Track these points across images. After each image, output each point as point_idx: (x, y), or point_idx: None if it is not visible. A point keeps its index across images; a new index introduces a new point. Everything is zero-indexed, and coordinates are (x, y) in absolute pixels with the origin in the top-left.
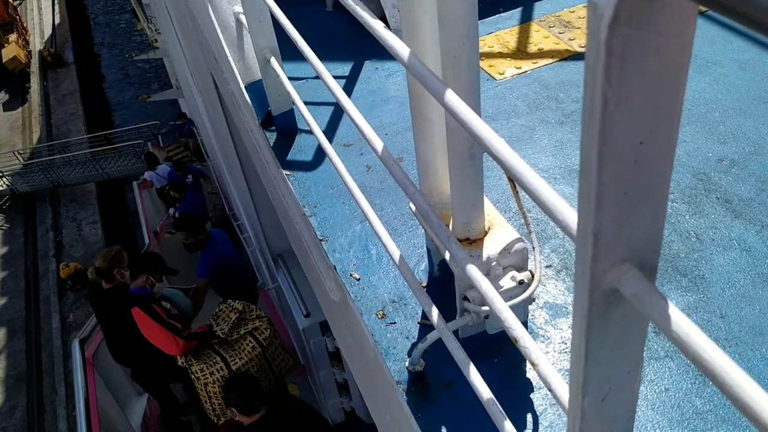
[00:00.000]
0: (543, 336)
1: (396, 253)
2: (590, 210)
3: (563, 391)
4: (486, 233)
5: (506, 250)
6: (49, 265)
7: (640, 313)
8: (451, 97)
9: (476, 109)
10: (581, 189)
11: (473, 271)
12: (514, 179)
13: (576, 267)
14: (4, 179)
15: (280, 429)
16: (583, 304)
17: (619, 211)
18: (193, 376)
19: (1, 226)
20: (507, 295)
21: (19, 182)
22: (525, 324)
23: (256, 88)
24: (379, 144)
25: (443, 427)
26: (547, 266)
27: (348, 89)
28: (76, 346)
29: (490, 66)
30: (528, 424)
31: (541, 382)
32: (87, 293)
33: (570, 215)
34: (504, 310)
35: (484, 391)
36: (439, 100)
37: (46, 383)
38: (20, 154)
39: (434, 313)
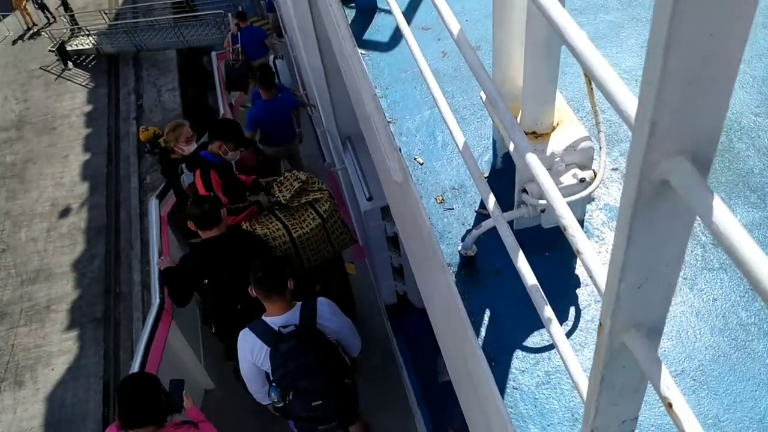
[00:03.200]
0: (597, 237)
1: (461, 141)
2: (651, 97)
3: (603, 278)
4: (554, 129)
5: (572, 147)
6: (130, 127)
7: (686, 206)
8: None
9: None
10: (644, 76)
11: (533, 160)
12: (584, 69)
13: (629, 155)
14: (91, 38)
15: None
16: (631, 192)
17: (680, 102)
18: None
19: (87, 84)
20: (566, 191)
21: (104, 42)
22: (581, 223)
23: None
24: (456, 28)
25: (487, 309)
26: (613, 169)
27: None
28: (153, 202)
29: None
30: (569, 315)
31: (588, 279)
32: (159, 158)
33: (631, 103)
34: (557, 200)
35: (529, 277)
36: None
37: (123, 238)
38: (106, 14)
39: (491, 202)
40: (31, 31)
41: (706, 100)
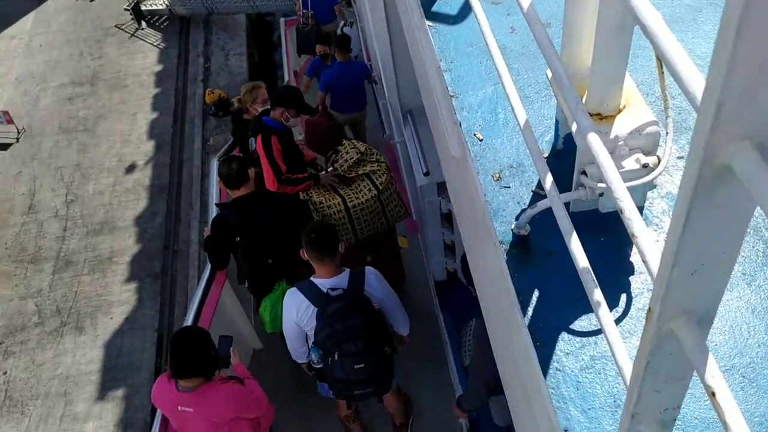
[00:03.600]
0: (656, 224)
1: (523, 119)
2: (719, 78)
3: (656, 263)
4: (620, 111)
5: (637, 131)
6: (197, 89)
7: (747, 193)
8: None
9: None
10: (714, 56)
11: (595, 140)
12: (655, 49)
13: (693, 137)
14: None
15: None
16: (692, 175)
17: (749, 85)
18: (312, 207)
19: (158, 44)
20: (627, 176)
21: (177, 4)
22: (641, 209)
23: None
24: (527, 3)
25: (536, 290)
26: (678, 157)
27: None
28: (214, 164)
29: None
30: (620, 302)
31: (642, 266)
32: (231, 119)
33: (699, 85)
34: (616, 182)
35: (581, 259)
36: None
37: (184, 198)
38: None
39: (549, 182)
40: None
41: None
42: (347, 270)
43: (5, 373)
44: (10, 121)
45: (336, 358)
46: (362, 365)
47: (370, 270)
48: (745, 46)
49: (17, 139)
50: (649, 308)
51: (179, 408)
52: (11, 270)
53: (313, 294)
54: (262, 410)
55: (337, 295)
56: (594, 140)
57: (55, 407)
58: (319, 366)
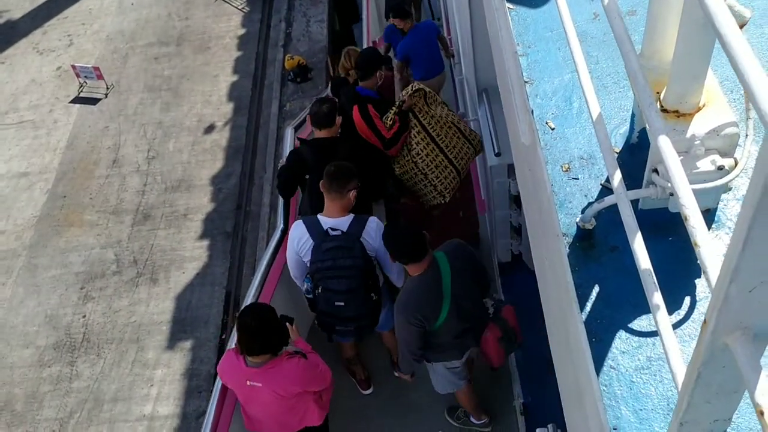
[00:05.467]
0: (729, 228)
1: (596, 111)
2: None
3: (715, 275)
4: (699, 109)
5: (715, 132)
6: (277, 54)
7: None
8: None
9: None
10: None
11: (665, 143)
12: (726, 53)
13: (760, 150)
14: None
15: None
16: (756, 190)
17: None
18: (407, 158)
19: (243, 8)
20: (701, 177)
21: None
22: (714, 211)
23: None
24: None
25: (597, 285)
26: None
27: None
28: (289, 131)
29: None
30: (683, 305)
31: None
32: (332, 90)
33: None
34: (683, 188)
35: (644, 260)
36: None
37: (258, 160)
38: None
39: (617, 178)
40: None
41: None
42: (352, 215)
43: (84, 316)
44: (100, 77)
45: (320, 291)
46: (342, 303)
47: (372, 219)
48: None
49: (106, 94)
50: (705, 320)
51: (248, 383)
52: (94, 219)
53: (314, 229)
54: (326, 383)
55: (334, 235)
56: (664, 144)
57: (127, 352)
58: (309, 296)
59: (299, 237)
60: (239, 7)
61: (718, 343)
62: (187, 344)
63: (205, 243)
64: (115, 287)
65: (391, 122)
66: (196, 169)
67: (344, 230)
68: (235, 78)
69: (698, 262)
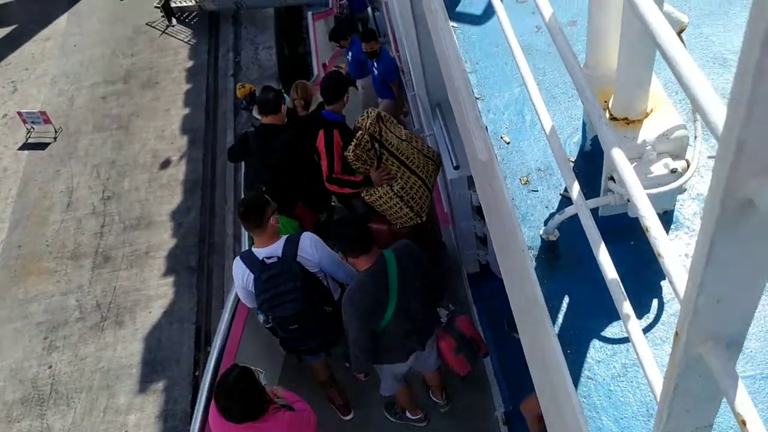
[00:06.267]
0: (688, 227)
1: (548, 122)
2: (739, 116)
3: (682, 285)
4: (647, 115)
5: (665, 136)
6: (228, 83)
7: None
8: None
9: None
10: (734, 91)
11: (618, 154)
12: (668, 64)
13: (714, 168)
14: None
15: None
16: (713, 208)
17: None
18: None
19: (189, 40)
20: (656, 181)
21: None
22: (671, 213)
23: None
24: (547, 7)
25: (566, 296)
26: (710, 157)
27: None
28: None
29: None
30: (651, 308)
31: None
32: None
33: (718, 113)
34: (641, 199)
35: (609, 270)
36: None
37: (218, 192)
38: None
39: (575, 188)
40: None
41: None
42: (284, 237)
43: (50, 367)
44: (47, 121)
45: (271, 320)
46: (295, 326)
47: (306, 235)
48: (765, 88)
49: (55, 138)
50: (676, 332)
51: None
52: (52, 267)
53: (251, 262)
54: (312, 430)
55: (271, 263)
56: (616, 153)
57: (98, 400)
58: (268, 326)
59: (241, 274)
60: (185, 40)
61: (691, 354)
62: (160, 385)
63: (170, 280)
64: (80, 334)
65: (350, 182)
66: (155, 206)
67: (279, 255)
68: (187, 111)
69: (663, 271)
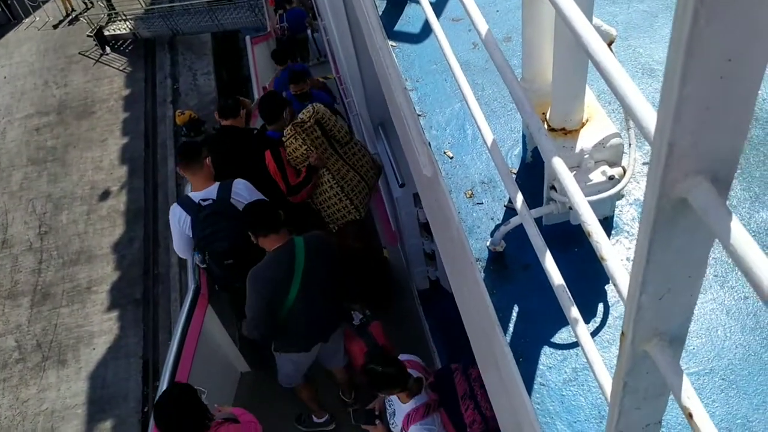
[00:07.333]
0: (627, 231)
1: (489, 136)
2: (668, 120)
3: (625, 286)
4: (583, 125)
5: (601, 144)
6: (167, 110)
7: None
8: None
9: None
10: (662, 97)
11: (558, 164)
12: (601, 75)
13: (648, 171)
14: (128, 22)
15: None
16: (650, 209)
17: (698, 125)
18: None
19: (124, 68)
20: (595, 189)
21: (140, 27)
22: (611, 219)
23: None
24: (483, 24)
25: (515, 305)
26: (644, 163)
27: None
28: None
29: None
30: (598, 312)
31: None
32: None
33: (650, 119)
34: (582, 205)
35: (556, 277)
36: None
37: (161, 221)
38: None
39: (519, 199)
40: (70, 17)
41: (725, 123)
42: (218, 183)
43: None
44: None
45: (208, 257)
46: (231, 261)
47: (238, 180)
48: (689, 92)
49: None
50: (623, 332)
51: None
52: None
53: (188, 205)
54: None
55: (206, 205)
56: (556, 162)
57: None
58: (204, 266)
59: (178, 217)
60: (120, 68)
61: (638, 352)
62: (107, 424)
63: (114, 314)
64: (21, 376)
65: (303, 181)
66: (95, 239)
67: (214, 198)
68: (125, 140)
69: (607, 274)
